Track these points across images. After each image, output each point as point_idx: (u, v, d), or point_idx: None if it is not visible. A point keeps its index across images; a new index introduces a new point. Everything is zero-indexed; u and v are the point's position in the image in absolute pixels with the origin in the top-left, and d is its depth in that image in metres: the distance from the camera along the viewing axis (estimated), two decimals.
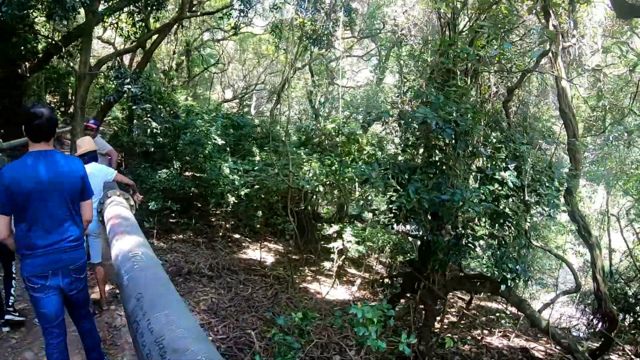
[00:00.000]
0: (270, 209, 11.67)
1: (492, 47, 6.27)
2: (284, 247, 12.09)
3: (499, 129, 5.64)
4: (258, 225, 11.98)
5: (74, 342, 4.27)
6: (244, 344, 5.44)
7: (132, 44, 11.87)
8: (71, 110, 12.43)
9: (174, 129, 10.35)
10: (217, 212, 11.75)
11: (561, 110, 6.31)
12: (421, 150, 6.53)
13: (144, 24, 11.60)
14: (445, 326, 6.50)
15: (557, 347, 8.66)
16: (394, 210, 4.76)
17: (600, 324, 12.84)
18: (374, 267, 12.45)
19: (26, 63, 10.80)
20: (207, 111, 12.63)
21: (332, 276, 10.15)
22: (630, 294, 12.26)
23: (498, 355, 7.10)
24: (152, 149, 9.86)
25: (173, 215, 10.34)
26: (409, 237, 9.62)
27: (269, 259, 10.62)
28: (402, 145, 5.87)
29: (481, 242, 4.94)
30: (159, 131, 9.61)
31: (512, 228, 4.59)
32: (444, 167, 4.65)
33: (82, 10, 9.15)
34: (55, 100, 15.01)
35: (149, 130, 9.56)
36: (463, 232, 4.78)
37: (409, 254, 9.57)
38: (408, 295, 7.29)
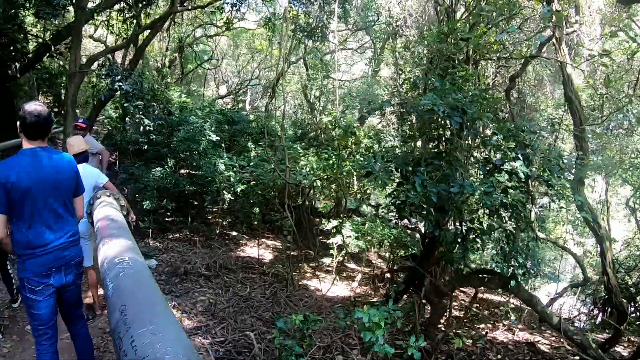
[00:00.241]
0: (267, 205, 11.50)
1: (496, 33, 6.10)
2: (282, 244, 11.93)
3: (499, 118, 5.46)
4: (255, 222, 11.81)
5: (65, 350, 4.11)
6: (243, 346, 5.27)
7: (123, 41, 11.67)
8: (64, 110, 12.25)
9: (168, 126, 10.16)
10: (214, 209, 11.56)
11: (567, 97, 6.13)
12: (419, 143, 6.37)
13: (135, 21, 11.40)
14: (447, 319, 6.34)
15: (565, 342, 8.58)
16: (397, 205, 4.57)
17: (601, 315, 12.80)
18: (373, 261, 12.31)
19: (16, 64, 10.59)
20: (201, 107, 12.43)
21: (332, 272, 10.00)
22: (631, 283, 12.21)
23: (504, 351, 6.96)
24: (146, 147, 9.66)
25: (168, 214, 10.16)
26: (410, 232, 9.47)
27: (267, 256, 10.46)
28: (404, 136, 5.69)
29: (484, 236, 4.76)
30: (152, 129, 9.41)
31: (521, 221, 4.42)
32: (450, 158, 4.47)
33: (72, 9, 9.00)
34: (48, 101, 14.79)
35: (141, 128, 9.36)
36: (470, 225, 4.61)
37: (410, 249, 9.40)
38: (411, 291, 7.14)
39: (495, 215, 4.39)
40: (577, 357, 6.88)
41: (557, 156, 4.42)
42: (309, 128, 15.91)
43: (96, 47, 18.50)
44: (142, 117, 9.21)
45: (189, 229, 10.27)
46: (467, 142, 4.82)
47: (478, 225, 4.57)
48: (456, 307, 9.22)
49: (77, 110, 14.82)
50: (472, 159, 4.91)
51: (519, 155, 4.16)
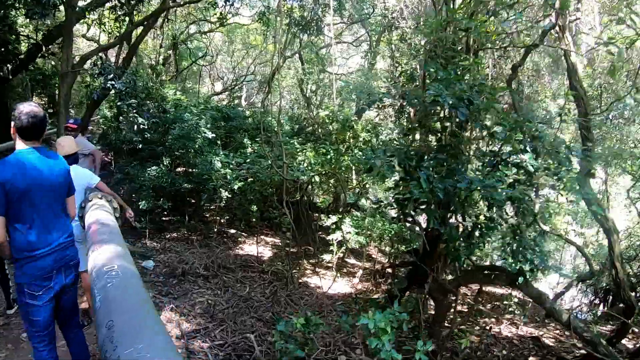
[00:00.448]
0: (265, 202, 11.37)
1: (494, 23, 5.95)
2: (281, 240, 11.80)
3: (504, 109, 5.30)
4: (254, 220, 11.68)
5: (61, 358, 3.98)
6: (243, 349, 5.14)
7: (116, 39, 11.50)
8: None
9: (162, 124, 10.01)
10: (211, 207, 11.42)
11: (572, 87, 5.99)
12: (417, 136, 6.23)
13: (127, 19, 11.23)
14: (452, 316, 6.22)
15: (574, 337, 8.49)
16: (400, 201, 4.43)
17: (602, 305, 12.74)
18: (374, 256, 12.21)
19: (8, 65, 10.42)
20: (196, 104, 12.27)
21: (332, 268, 9.88)
22: (632, 273, 12.15)
23: (509, 346, 6.87)
24: (140, 146, 9.50)
25: (165, 213, 10.01)
26: (409, 226, 9.35)
27: (266, 253, 10.34)
28: (403, 128, 5.54)
29: (490, 231, 4.62)
30: (146, 127, 9.25)
31: (527, 215, 4.29)
32: (456, 152, 4.32)
33: (62, 8, 8.83)
34: (43, 102, 14.61)
35: (135, 126, 9.20)
36: (476, 221, 4.48)
37: (411, 243, 9.29)
38: (413, 287, 7.02)
39: (502, 210, 4.26)
40: (582, 351, 6.80)
41: (566, 147, 4.28)
42: (305, 123, 15.77)
43: (89, 47, 18.27)
44: (136, 115, 9.06)
45: (187, 228, 10.14)
46: (472, 134, 4.69)
47: (484, 221, 4.44)
48: (459, 302, 9.13)
49: (72, 111, 14.65)
50: (477, 152, 4.76)
51: (527, 148, 4.02)
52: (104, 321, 1.58)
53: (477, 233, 4.43)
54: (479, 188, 3.75)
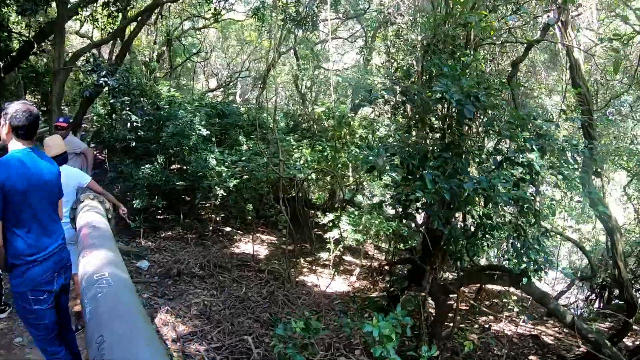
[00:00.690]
0: (261, 200, 11.26)
1: (494, 17, 5.85)
2: (277, 238, 11.70)
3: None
4: (249, 218, 11.56)
5: None
6: (240, 352, 5.03)
7: (109, 35, 11.34)
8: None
9: (156, 121, 9.87)
10: (206, 205, 11.28)
11: (574, 83, 5.91)
12: (415, 133, 6.13)
13: (121, 15, 11.07)
14: (453, 317, 6.15)
15: (564, 331, 8.44)
16: (402, 201, 4.32)
17: (598, 302, 12.73)
18: (370, 253, 12.11)
19: (0, 63, 10.26)
20: (190, 101, 12.13)
21: (329, 266, 9.80)
22: (627, 270, 12.12)
23: (509, 344, 6.80)
24: (134, 144, 9.35)
25: (160, 212, 9.87)
26: (405, 222, 9.27)
27: (262, 251, 10.23)
28: (402, 125, 5.43)
29: (494, 232, 4.52)
30: (139, 125, 9.10)
31: (530, 214, 4.19)
32: (460, 150, 4.21)
33: (55, 5, 8.70)
34: (36, 100, 14.43)
35: (129, 124, 9.04)
36: (480, 221, 4.38)
37: (409, 242, 9.21)
38: (412, 286, 6.94)
39: (505, 210, 4.18)
40: (582, 349, 6.76)
41: (572, 146, 4.18)
42: (301, 119, 15.66)
43: (82, 44, 18.05)
44: (129, 113, 8.90)
45: (182, 227, 10.01)
46: (478, 132, 4.59)
47: (488, 221, 4.34)
48: (454, 298, 9.06)
49: (66, 109, 14.50)
50: (482, 150, 4.65)
51: (534, 147, 3.92)
52: (94, 337, 1.47)
53: (479, 233, 4.34)
54: (485, 188, 3.65)
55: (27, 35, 11.05)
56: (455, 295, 5.36)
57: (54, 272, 2.97)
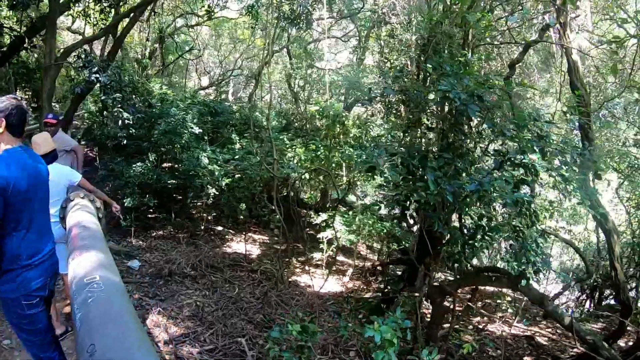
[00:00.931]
0: (253, 199, 11.17)
1: (490, 18, 5.80)
2: (269, 238, 11.62)
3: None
4: (241, 217, 11.46)
5: None
6: (234, 354, 4.94)
7: (101, 31, 11.19)
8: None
9: (148, 119, 9.74)
10: (198, 203, 11.16)
11: (572, 85, 5.89)
12: (413, 132, 6.07)
13: (113, 11, 10.92)
14: (450, 318, 6.11)
15: (557, 332, 8.44)
16: (401, 202, 4.25)
17: (589, 302, 12.77)
18: (362, 252, 12.05)
19: None
20: (182, 98, 12.00)
21: (321, 266, 9.73)
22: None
23: (504, 345, 6.77)
24: (125, 142, 9.22)
25: (151, 210, 9.74)
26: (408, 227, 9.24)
27: (255, 251, 10.13)
28: (401, 125, 5.36)
29: (493, 233, 4.47)
30: (131, 122, 8.97)
31: (529, 216, 4.15)
32: (462, 151, 4.15)
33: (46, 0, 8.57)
34: (27, 97, 14.20)
35: (120, 121, 8.91)
36: (479, 223, 4.33)
37: (402, 242, 9.17)
38: (407, 287, 6.90)
39: (506, 212, 4.13)
40: (576, 350, 6.76)
41: (573, 148, 4.15)
42: (293, 118, 15.59)
43: (74, 40, 17.82)
44: (120, 110, 8.77)
45: (173, 225, 9.89)
46: (479, 131, 4.52)
47: (486, 222, 4.29)
48: (450, 300, 9.03)
49: (57, 105, 14.29)
50: (482, 150, 4.60)
51: (535, 148, 3.87)
52: (85, 345, 1.38)
53: (478, 235, 4.28)
54: (487, 190, 3.59)
55: (19, 30, 10.86)
56: (453, 297, 5.32)
57: (47, 277, 2.86)
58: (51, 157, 4.12)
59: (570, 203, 10.82)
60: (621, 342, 8.14)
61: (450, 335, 6.22)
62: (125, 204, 8.54)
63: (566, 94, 11.78)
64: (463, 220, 4.48)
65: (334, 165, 9.67)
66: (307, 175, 10.15)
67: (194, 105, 11.42)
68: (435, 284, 5.58)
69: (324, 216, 9.17)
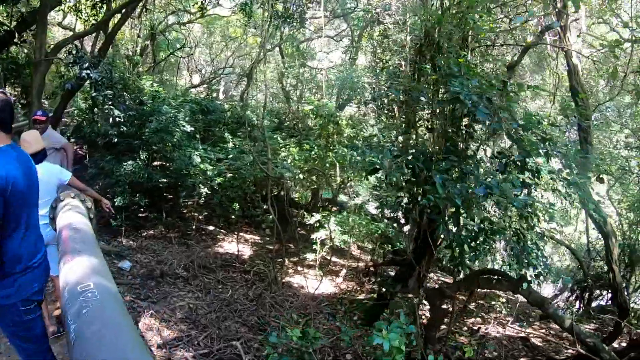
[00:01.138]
0: (247, 199, 11.05)
1: (483, 20, 5.74)
2: (260, 238, 11.50)
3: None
4: (233, 216, 11.34)
5: None
6: (229, 358, 4.82)
7: (92, 27, 11.00)
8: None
9: (139, 116, 9.58)
10: (189, 203, 11.01)
11: (572, 88, 5.86)
12: (413, 134, 5.99)
13: (105, 6, 10.74)
14: (449, 321, 6.05)
15: (550, 333, 8.43)
16: (405, 205, 4.16)
17: (579, 303, 12.82)
18: (353, 253, 11.98)
19: None
20: (174, 96, 11.84)
21: (314, 266, 9.64)
22: (605, 270, 12.26)
23: (499, 347, 6.73)
24: (116, 140, 9.06)
25: (142, 210, 9.58)
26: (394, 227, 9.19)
27: (246, 251, 10.01)
28: (401, 126, 5.28)
29: (495, 236, 4.41)
30: (122, 120, 8.81)
31: (530, 219, 4.09)
32: (469, 153, 4.07)
33: None
34: (16, 93, 13.94)
35: (111, 119, 8.74)
36: (482, 226, 4.25)
37: (397, 243, 9.11)
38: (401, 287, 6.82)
39: (508, 214, 4.07)
40: (570, 350, 6.77)
41: (577, 152, 4.10)
42: (285, 117, 15.50)
43: (65, 36, 17.58)
44: (111, 107, 8.61)
45: (164, 225, 9.74)
46: (487, 135, 4.47)
47: (489, 226, 4.22)
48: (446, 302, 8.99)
49: (46, 102, 14.05)
50: (492, 155, 4.51)
51: (541, 151, 3.80)
52: None
53: (480, 238, 4.21)
54: (496, 194, 3.51)
55: (9, 24, 10.64)
56: (452, 300, 5.26)
57: (44, 280, 2.73)
58: (41, 155, 3.99)
59: (562, 205, 10.84)
60: (614, 343, 8.17)
61: (446, 337, 6.16)
62: (116, 203, 8.39)
63: (561, 96, 11.83)
64: (458, 223, 4.40)
65: (327, 165, 9.57)
66: (301, 176, 10.06)
67: (186, 103, 11.27)
68: (435, 286, 5.52)
69: (317, 216, 9.07)
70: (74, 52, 8.52)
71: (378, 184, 10.56)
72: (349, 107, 18.22)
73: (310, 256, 9.58)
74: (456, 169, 3.86)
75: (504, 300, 8.79)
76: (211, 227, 11.00)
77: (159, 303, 5.99)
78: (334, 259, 11.24)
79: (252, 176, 9.35)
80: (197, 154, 9.50)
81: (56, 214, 3.47)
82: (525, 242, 4.12)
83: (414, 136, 5.83)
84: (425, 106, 4.57)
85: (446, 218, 3.96)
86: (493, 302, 8.82)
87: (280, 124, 14.18)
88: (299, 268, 9.58)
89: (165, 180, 9.31)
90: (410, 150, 4.13)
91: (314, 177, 11.13)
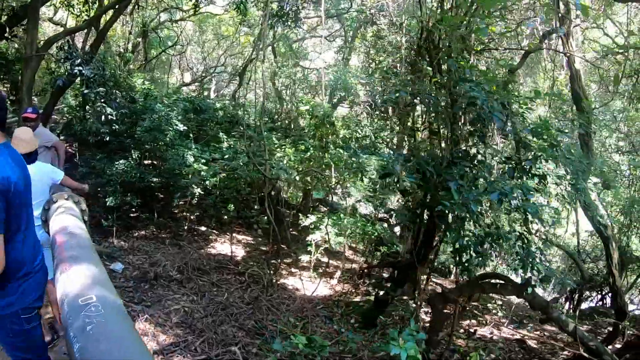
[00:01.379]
0: (241, 201, 10.92)
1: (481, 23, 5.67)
2: (253, 239, 11.37)
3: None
4: (225, 217, 11.20)
5: None
6: None
7: (84, 22, 10.81)
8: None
9: (131, 114, 9.41)
10: (180, 203, 10.84)
11: (574, 93, 5.82)
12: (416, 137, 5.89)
13: (97, 2, 10.55)
14: (453, 327, 5.98)
15: (545, 334, 8.41)
16: (412, 210, 4.07)
17: (568, 304, 12.88)
18: (346, 253, 11.88)
19: None
20: (167, 94, 11.68)
21: (308, 268, 9.53)
22: (596, 271, 12.35)
23: (490, 347, 6.69)
24: (108, 138, 8.88)
25: (133, 210, 9.40)
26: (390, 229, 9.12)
27: (240, 252, 9.89)
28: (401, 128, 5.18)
29: (501, 241, 4.33)
30: (114, 118, 8.63)
31: (535, 224, 4.03)
32: (482, 158, 3.99)
33: None
34: (5, 89, 13.65)
35: (103, 117, 8.56)
36: (488, 231, 4.18)
37: (394, 246, 9.04)
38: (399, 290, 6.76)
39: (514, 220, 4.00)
40: (566, 353, 6.77)
41: (582, 157, 4.04)
42: (277, 117, 15.40)
43: (56, 31, 17.28)
44: (103, 105, 8.43)
45: (156, 225, 9.58)
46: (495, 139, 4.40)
47: (495, 230, 4.14)
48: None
49: (35, 99, 13.79)
50: (501, 160, 4.43)
51: (550, 157, 3.73)
52: None
53: (486, 243, 4.13)
54: (511, 199, 3.44)
55: None
56: (455, 304, 5.19)
57: (44, 286, 2.56)
58: (34, 155, 3.85)
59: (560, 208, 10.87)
60: (609, 346, 8.18)
61: (444, 340, 6.10)
62: (107, 203, 8.24)
63: (556, 100, 11.83)
64: (469, 228, 4.32)
65: (323, 166, 9.47)
66: (297, 177, 9.95)
67: (179, 102, 11.12)
68: (429, 288, 5.46)
69: (312, 218, 8.96)
70: (65, 47, 8.33)
71: (372, 186, 10.50)
72: (341, 108, 18.17)
73: (304, 258, 9.48)
74: (469, 174, 3.78)
75: (500, 302, 8.75)
76: (203, 228, 10.85)
77: (154, 307, 5.84)
78: (325, 259, 11.15)
79: (248, 177, 9.21)
80: (191, 153, 9.35)
81: (49, 216, 3.32)
82: (530, 246, 4.05)
83: (412, 139, 5.75)
84: (432, 108, 4.46)
85: (454, 223, 3.87)
86: (489, 305, 8.78)
87: (273, 123, 14.08)
88: (293, 270, 9.47)
89: (157, 179, 9.15)
90: (422, 154, 4.04)
91: (308, 178, 11.01)
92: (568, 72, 11.37)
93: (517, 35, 8.67)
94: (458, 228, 3.87)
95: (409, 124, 9.61)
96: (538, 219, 3.92)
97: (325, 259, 11.02)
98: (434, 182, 3.74)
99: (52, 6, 13.19)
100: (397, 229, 12.46)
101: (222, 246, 9.91)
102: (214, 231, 10.97)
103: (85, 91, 8.32)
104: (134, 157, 9.28)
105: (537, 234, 4.55)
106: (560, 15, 5.67)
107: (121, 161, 8.78)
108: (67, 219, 2.94)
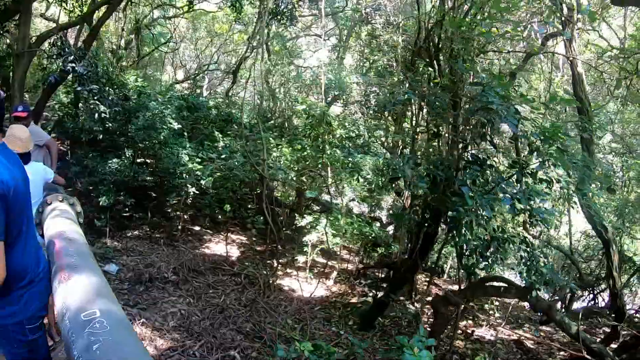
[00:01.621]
0: (237, 200, 10.81)
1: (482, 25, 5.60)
2: (248, 239, 11.26)
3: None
4: (220, 217, 11.07)
5: None
6: None
7: (77, 18, 10.63)
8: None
9: (125, 112, 9.26)
10: (174, 202, 10.70)
11: (576, 97, 5.78)
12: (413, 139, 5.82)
13: None
14: (455, 331, 5.92)
15: (541, 335, 8.40)
16: (420, 213, 4.00)
17: (560, 305, 12.93)
18: (339, 253, 11.81)
19: None
20: (161, 92, 11.51)
21: (304, 269, 9.45)
22: (588, 272, 12.39)
23: (495, 351, 6.65)
24: (101, 136, 8.72)
25: (127, 209, 9.25)
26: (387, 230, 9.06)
27: (234, 252, 9.77)
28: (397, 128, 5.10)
29: (507, 245, 4.28)
30: (107, 115, 8.46)
31: (539, 227, 3.99)
32: (491, 163, 3.90)
33: None
34: None
35: (96, 114, 8.39)
36: (495, 235, 4.12)
37: (391, 247, 8.97)
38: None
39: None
40: (562, 352, 6.77)
41: (586, 161, 4.00)
42: (271, 115, 15.29)
43: (48, 27, 17.03)
44: (97, 102, 8.26)
45: (149, 225, 9.45)
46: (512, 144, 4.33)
47: (500, 234, 4.08)
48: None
49: (26, 95, 13.57)
50: (510, 164, 4.36)
51: (558, 162, 3.67)
52: None
53: (492, 247, 4.07)
54: (524, 204, 3.38)
55: None
56: (458, 307, 5.14)
57: (48, 294, 2.37)
58: (27, 156, 3.73)
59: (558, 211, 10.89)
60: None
61: (442, 341, 6.06)
62: (100, 203, 8.09)
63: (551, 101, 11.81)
64: (476, 232, 4.26)
65: (319, 166, 9.38)
66: (293, 177, 9.85)
67: (174, 100, 10.97)
68: (436, 291, 5.40)
69: (309, 218, 8.87)
70: (58, 44, 8.16)
71: (368, 185, 10.44)
72: (334, 106, 18.08)
73: (301, 259, 9.39)
74: (480, 179, 3.71)
75: (497, 303, 8.71)
76: (197, 227, 10.73)
77: (149, 310, 5.71)
78: (322, 260, 11.07)
79: (247, 177, 9.10)
80: (185, 152, 9.22)
81: (43, 219, 3.20)
82: (534, 249, 4.01)
83: (412, 140, 5.68)
84: (433, 110, 4.39)
85: (464, 227, 3.80)
86: (485, 306, 8.74)
87: (267, 122, 13.96)
88: (288, 270, 9.37)
89: (151, 178, 9.02)
90: (432, 158, 3.97)
91: (303, 178, 10.91)
92: (567, 74, 11.45)
93: (513, 38, 8.64)
94: (467, 232, 3.80)
95: (405, 124, 9.55)
96: (545, 223, 3.86)
97: (321, 260, 10.95)
98: (443, 187, 3.67)
99: (44, 2, 12.96)
100: (389, 229, 12.42)
101: (216, 246, 9.79)
102: (208, 231, 10.84)
103: (78, 88, 8.15)
104: (127, 155, 9.13)
105: (540, 237, 4.50)
106: (563, 18, 5.65)
107: (114, 160, 8.64)
108: (63, 223, 2.82)
